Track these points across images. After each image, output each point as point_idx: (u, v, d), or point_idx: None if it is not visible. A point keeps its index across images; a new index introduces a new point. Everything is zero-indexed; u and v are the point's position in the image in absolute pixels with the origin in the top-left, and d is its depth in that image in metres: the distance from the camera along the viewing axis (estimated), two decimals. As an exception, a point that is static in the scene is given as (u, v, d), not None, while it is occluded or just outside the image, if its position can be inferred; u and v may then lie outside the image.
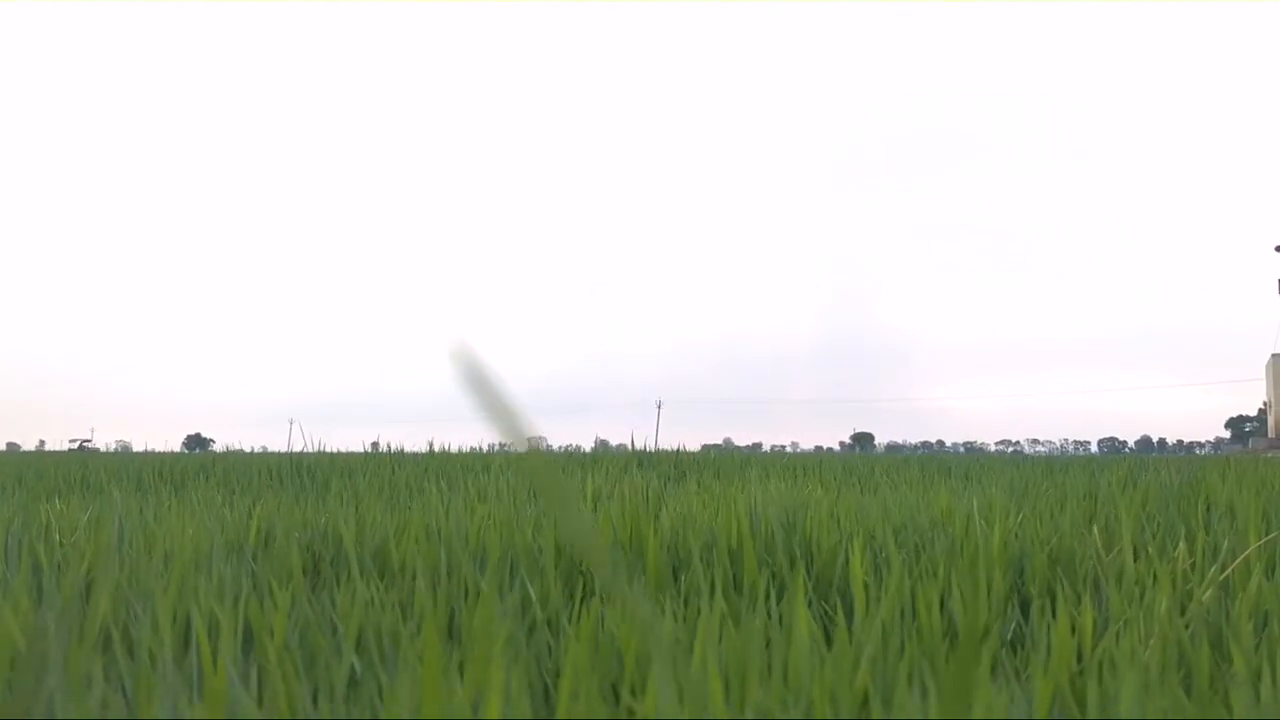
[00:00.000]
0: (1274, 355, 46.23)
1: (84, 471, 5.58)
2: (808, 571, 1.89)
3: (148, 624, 1.17)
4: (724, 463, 7.37)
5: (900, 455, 14.14)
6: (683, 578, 1.75)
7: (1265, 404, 48.60)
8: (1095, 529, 2.15)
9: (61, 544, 2.04)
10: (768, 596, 1.46)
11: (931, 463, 7.86)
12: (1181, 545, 1.93)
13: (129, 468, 6.10)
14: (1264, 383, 47.65)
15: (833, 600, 1.70)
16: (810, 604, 1.65)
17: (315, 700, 1.06)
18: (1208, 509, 2.67)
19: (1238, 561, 1.79)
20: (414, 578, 1.56)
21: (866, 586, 1.56)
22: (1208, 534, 2.11)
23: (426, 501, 2.72)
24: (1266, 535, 2.08)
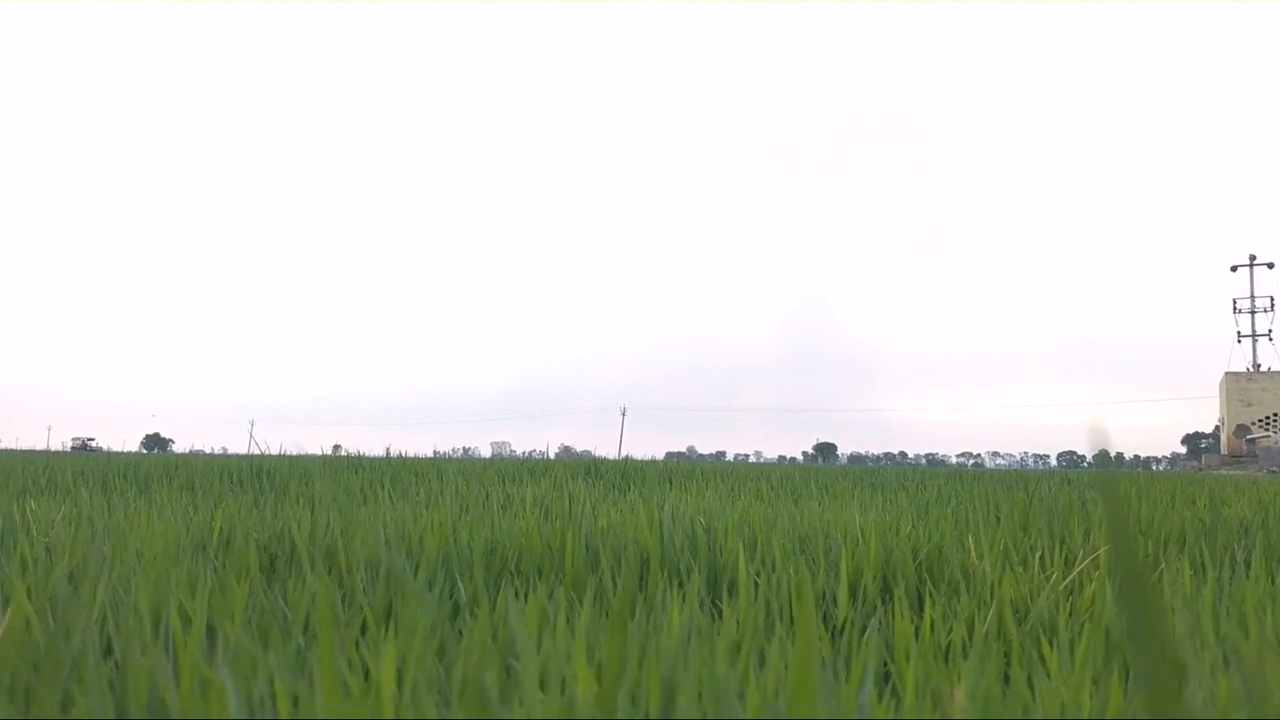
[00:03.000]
0: (1227, 373, 47.19)
1: (50, 472, 5.75)
2: (711, 573, 2.15)
3: (129, 610, 1.40)
4: (674, 472, 7.62)
5: (861, 466, 14.50)
6: (593, 578, 2.00)
7: (1220, 421, 49.61)
8: (970, 540, 2.42)
9: (42, 541, 2.25)
10: (671, 593, 1.71)
11: (875, 475, 8.16)
12: (1038, 556, 2.21)
13: (93, 469, 6.27)
14: (1218, 400, 48.63)
15: (723, 592, 1.95)
16: (703, 602, 1.91)
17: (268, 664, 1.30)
18: (1087, 524, 2.95)
19: (1075, 573, 2.06)
20: (357, 573, 1.80)
21: (755, 584, 1.82)
22: (1063, 547, 2.39)
23: (376, 507, 2.95)
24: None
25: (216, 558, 2.11)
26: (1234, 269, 52.00)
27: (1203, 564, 2.32)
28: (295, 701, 0.90)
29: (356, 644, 1.26)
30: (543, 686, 0.99)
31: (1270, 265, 51.29)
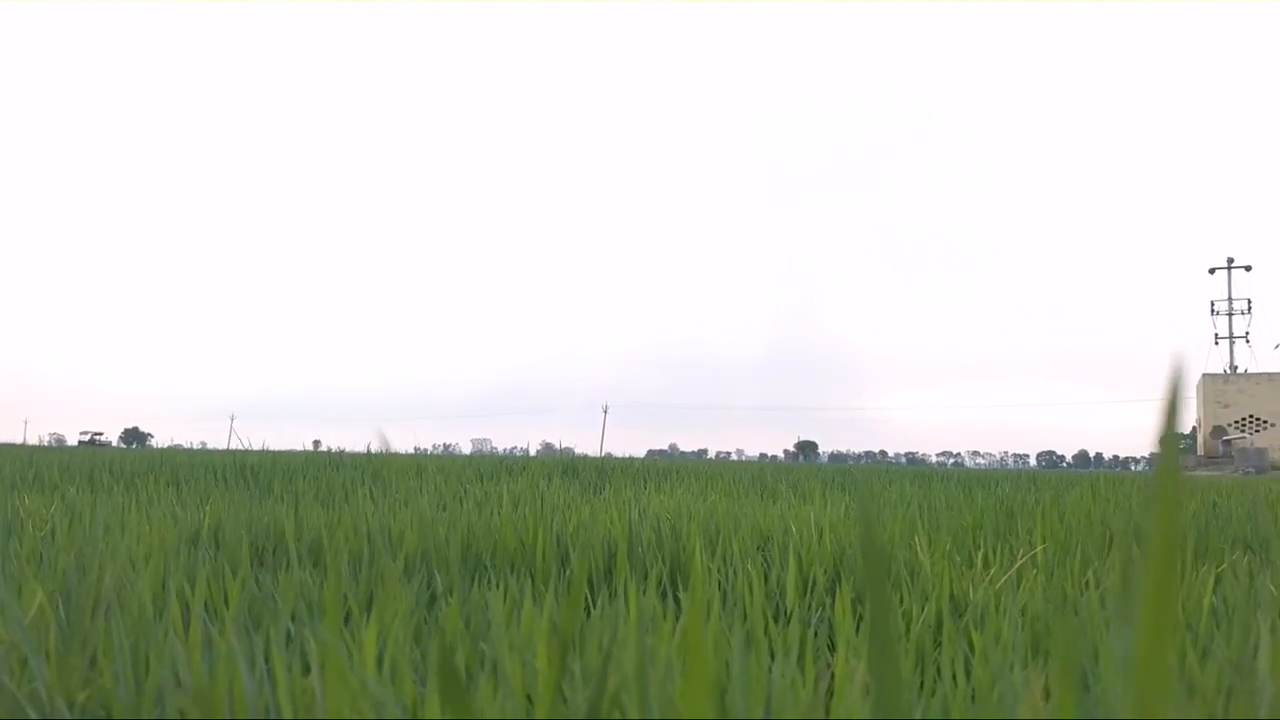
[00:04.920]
0: (1204, 375, 47.61)
1: (35, 469, 5.85)
2: (674, 567, 2.29)
3: (133, 598, 1.54)
4: (651, 470, 7.76)
5: (840, 465, 14.63)
6: (565, 572, 2.15)
7: (1197, 422, 50.11)
8: (918, 539, 2.57)
9: (39, 535, 2.38)
10: (639, 586, 1.85)
11: (847, 475, 8.31)
12: (981, 554, 2.36)
13: (79, 465, 6.36)
14: (1194, 401, 49.08)
15: (684, 583, 2.09)
16: (666, 592, 2.06)
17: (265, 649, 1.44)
18: (1035, 522, 3.11)
19: (1012, 570, 2.21)
20: (341, 565, 1.93)
21: (714, 576, 1.96)
22: (1008, 546, 2.54)
23: (357, 504, 3.09)
24: (1059, 553, 2.51)
25: (209, 550, 2.24)
26: (1212, 271, 52.48)
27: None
28: (289, 669, 1.03)
29: (340, 633, 1.39)
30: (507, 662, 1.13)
31: (1248, 268, 51.81)
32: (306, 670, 1.40)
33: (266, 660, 1.39)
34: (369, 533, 2.32)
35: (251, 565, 2.08)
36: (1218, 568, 2.38)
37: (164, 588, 1.65)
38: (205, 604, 1.66)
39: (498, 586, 1.90)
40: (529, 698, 1.08)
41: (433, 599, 1.81)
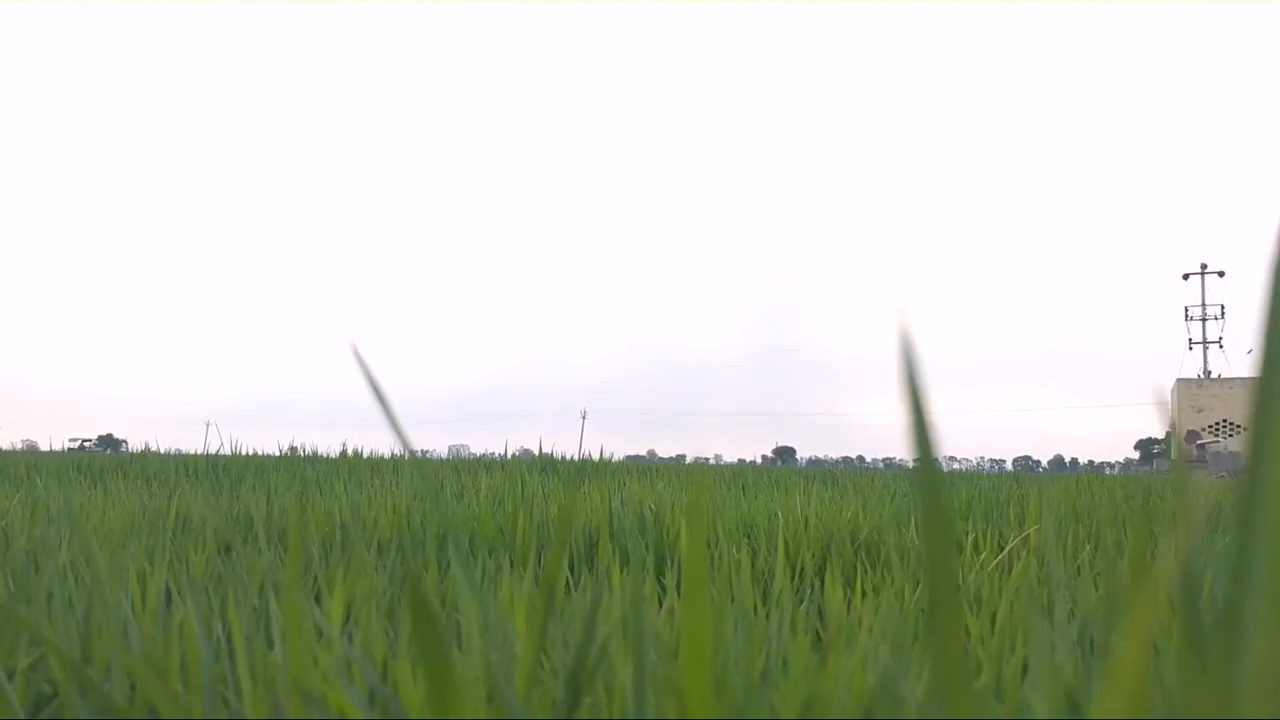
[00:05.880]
0: (1179, 380, 48.01)
1: (0, 464, 5.73)
2: (659, 551, 2.23)
3: (90, 574, 1.46)
4: (631, 469, 7.69)
5: (818, 469, 14.56)
6: (544, 557, 2.08)
7: (1171, 427, 50.54)
8: (912, 524, 2.52)
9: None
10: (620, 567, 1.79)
11: (829, 474, 8.27)
12: (971, 539, 2.31)
13: (46, 464, 6.25)
14: (1169, 405, 49.45)
15: (668, 566, 2.03)
16: (649, 572, 2.00)
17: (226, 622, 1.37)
18: (1021, 515, 3.07)
19: (1004, 553, 2.16)
20: (312, 549, 1.86)
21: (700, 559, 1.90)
22: (997, 532, 2.49)
23: (330, 493, 3.01)
24: (1056, 536, 2.47)
25: (174, 537, 2.16)
26: (1186, 277, 52.94)
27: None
28: (249, 641, 0.96)
29: (305, 601, 1.31)
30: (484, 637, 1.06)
31: (1221, 274, 52.31)
32: (271, 645, 1.33)
33: (229, 637, 1.32)
34: (342, 520, 2.25)
35: (220, 551, 2.00)
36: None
37: (124, 566, 1.57)
38: (166, 583, 1.58)
39: (475, 567, 1.84)
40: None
41: (405, 577, 1.74)
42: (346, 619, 1.47)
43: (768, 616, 1.42)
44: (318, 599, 1.75)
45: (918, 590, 1.82)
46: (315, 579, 1.79)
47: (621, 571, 1.58)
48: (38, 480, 3.95)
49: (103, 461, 6.73)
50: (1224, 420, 45.69)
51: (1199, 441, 45.02)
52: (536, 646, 0.82)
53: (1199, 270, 52.22)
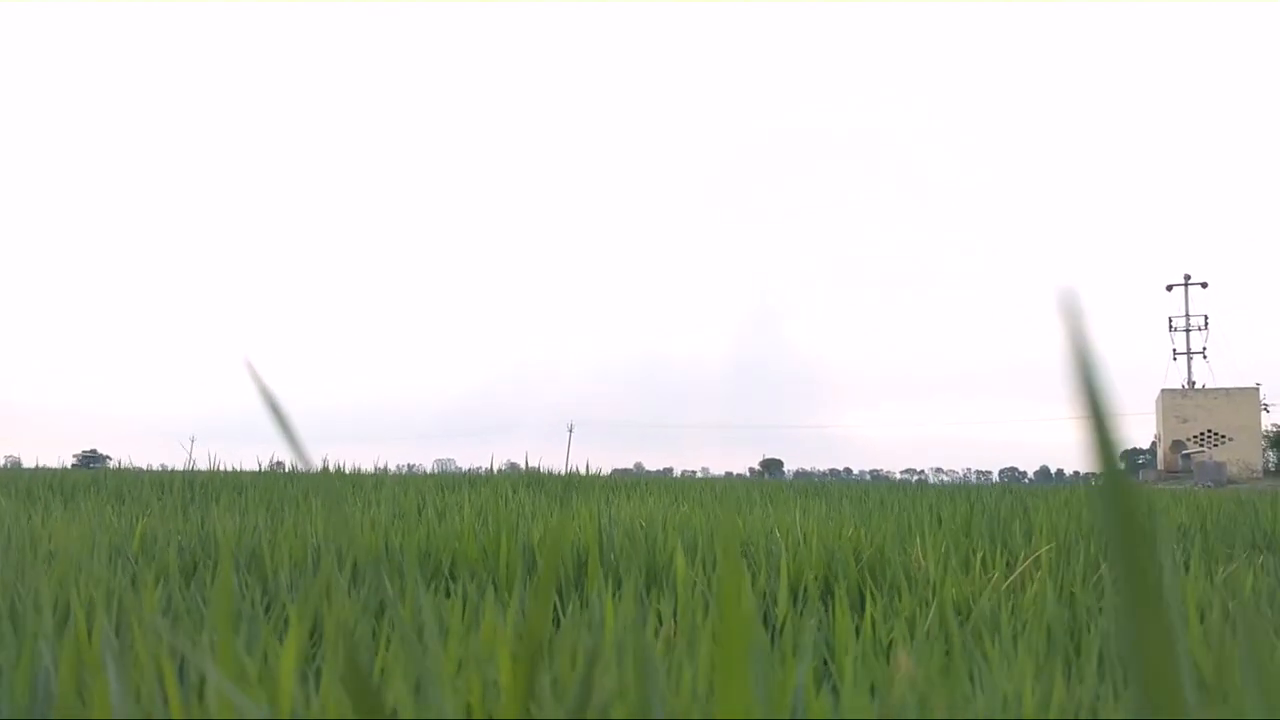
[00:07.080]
0: (1163, 390, 48.13)
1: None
2: (650, 573, 2.10)
3: (30, 607, 1.33)
4: (619, 484, 7.57)
5: (806, 481, 14.44)
6: (531, 580, 1.95)
7: (1156, 437, 50.58)
8: (917, 541, 2.40)
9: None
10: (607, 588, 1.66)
11: (819, 487, 8.16)
12: (979, 558, 2.19)
13: (18, 481, 6.09)
14: (1154, 416, 49.56)
15: (662, 590, 1.91)
16: (642, 600, 1.87)
17: (182, 661, 1.24)
18: (1028, 530, 2.95)
19: (1017, 573, 2.05)
20: (282, 574, 1.73)
21: (693, 583, 1.78)
22: (1005, 550, 2.38)
23: (308, 513, 2.87)
24: (1063, 556, 2.35)
25: (135, 561, 2.03)
26: (1169, 288, 53.14)
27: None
28: (200, 686, 0.84)
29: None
30: (461, 674, 0.94)
31: (1204, 285, 52.55)
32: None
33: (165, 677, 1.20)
34: (317, 542, 2.12)
35: (183, 575, 1.87)
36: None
37: (67, 599, 1.44)
38: (115, 616, 1.45)
39: (456, 594, 1.71)
40: None
41: (382, 608, 1.61)
42: (314, 655, 1.34)
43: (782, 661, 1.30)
44: (287, 623, 1.63)
45: (929, 615, 1.70)
46: (284, 606, 1.66)
47: (614, 598, 1.46)
48: (3, 499, 3.80)
49: (77, 478, 6.57)
50: (1208, 430, 45.81)
51: (1184, 451, 45.12)
52: (523, 700, 0.69)
53: (1183, 281, 52.45)
